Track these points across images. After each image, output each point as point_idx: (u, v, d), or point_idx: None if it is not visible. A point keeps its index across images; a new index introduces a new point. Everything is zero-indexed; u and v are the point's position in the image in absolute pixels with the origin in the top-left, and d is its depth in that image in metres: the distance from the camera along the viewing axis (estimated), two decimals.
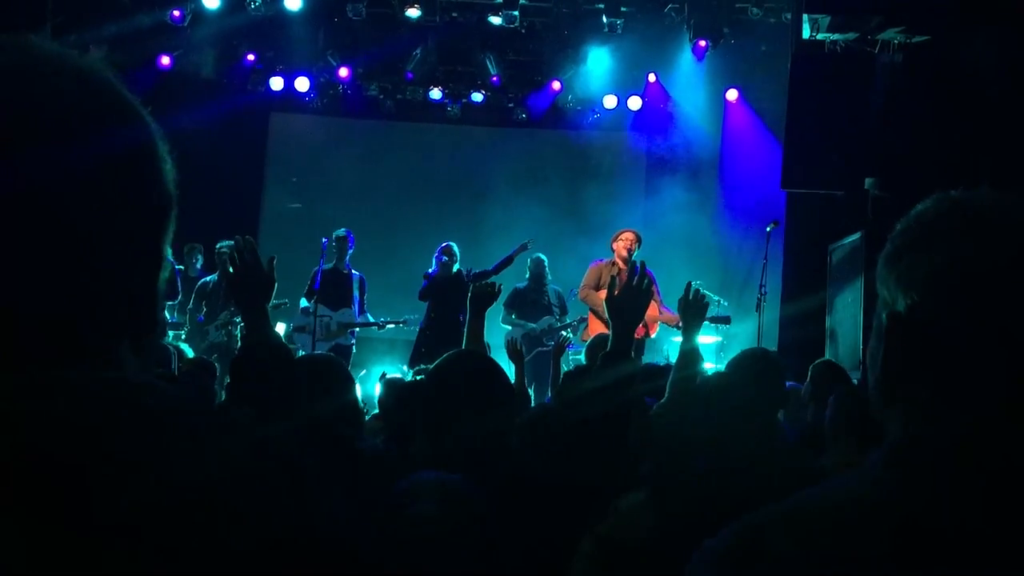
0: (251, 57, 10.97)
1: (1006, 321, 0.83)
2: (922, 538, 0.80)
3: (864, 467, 0.88)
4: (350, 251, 8.68)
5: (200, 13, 10.17)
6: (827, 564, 0.81)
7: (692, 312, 3.50)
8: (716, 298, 8.76)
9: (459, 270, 8.48)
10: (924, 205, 0.92)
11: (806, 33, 7.51)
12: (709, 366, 7.50)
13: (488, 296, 3.77)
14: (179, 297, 8.61)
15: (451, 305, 8.17)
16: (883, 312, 0.91)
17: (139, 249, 0.74)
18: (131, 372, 0.74)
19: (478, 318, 3.67)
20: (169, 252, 0.77)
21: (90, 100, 0.72)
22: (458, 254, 8.56)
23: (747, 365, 3.50)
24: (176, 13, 9.99)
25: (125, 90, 0.75)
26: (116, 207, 0.71)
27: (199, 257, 9.33)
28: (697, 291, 3.57)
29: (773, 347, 7.83)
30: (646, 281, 2.57)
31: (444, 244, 8.62)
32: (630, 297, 2.60)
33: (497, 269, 8.55)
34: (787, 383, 4.01)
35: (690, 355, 3.35)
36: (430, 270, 8.58)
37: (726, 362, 8.57)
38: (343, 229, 8.69)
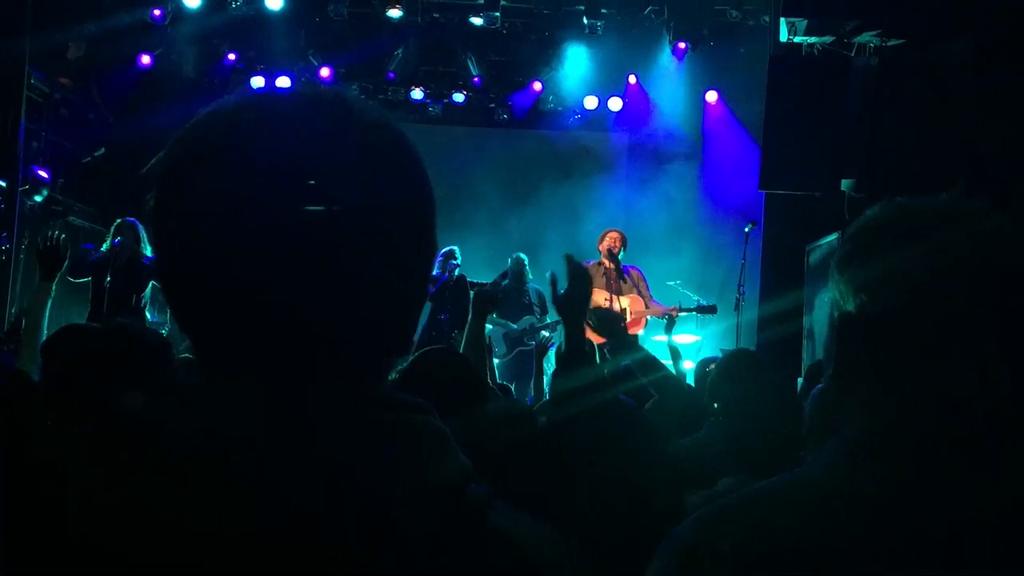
0: (232, 56, 10.94)
1: (943, 323, 0.89)
2: (872, 522, 0.86)
3: (820, 456, 0.95)
4: None
5: (181, 12, 10.13)
6: (781, 548, 0.86)
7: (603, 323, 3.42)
8: (695, 297, 8.86)
9: (460, 273, 8.57)
10: (873, 211, 0.98)
11: (783, 36, 7.60)
12: (688, 365, 7.59)
13: (492, 302, 3.78)
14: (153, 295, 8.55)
15: (457, 307, 8.28)
16: (835, 312, 0.98)
17: (415, 281, 0.83)
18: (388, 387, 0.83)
19: (480, 320, 3.68)
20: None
21: (395, 151, 0.82)
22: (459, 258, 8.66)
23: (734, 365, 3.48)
24: (157, 12, 9.95)
25: (415, 148, 0.85)
26: (407, 246, 0.81)
27: None
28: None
29: (752, 346, 7.92)
30: (581, 276, 2.48)
31: (448, 249, 8.68)
32: (569, 297, 2.47)
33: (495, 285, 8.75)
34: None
35: (645, 362, 3.29)
36: (437, 272, 8.65)
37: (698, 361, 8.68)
38: None
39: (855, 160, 7.00)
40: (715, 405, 2.92)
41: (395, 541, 0.69)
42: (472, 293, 3.87)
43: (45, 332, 3.42)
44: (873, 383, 0.93)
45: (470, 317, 3.71)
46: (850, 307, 0.95)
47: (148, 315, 8.22)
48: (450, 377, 2.36)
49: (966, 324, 0.89)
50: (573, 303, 2.45)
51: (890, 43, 7.11)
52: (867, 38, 7.14)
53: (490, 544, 0.73)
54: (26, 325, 3.93)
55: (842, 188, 7.10)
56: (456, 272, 8.58)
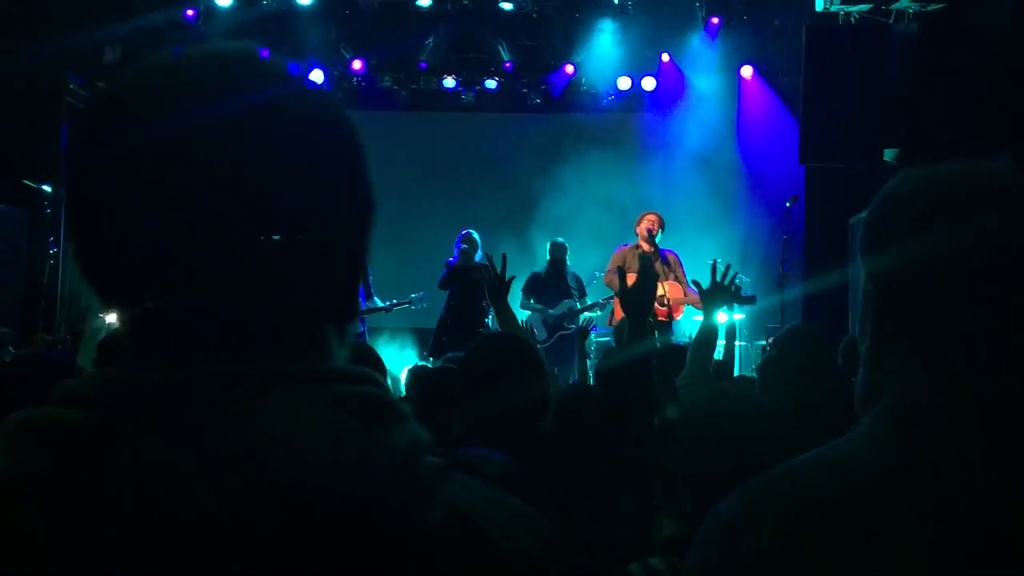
0: (265, 52, 11.01)
1: (970, 290, 0.90)
2: (915, 491, 0.86)
3: (860, 428, 0.95)
4: None
5: (213, 10, 10.23)
6: (826, 522, 0.87)
7: (718, 296, 3.50)
8: (738, 274, 8.78)
9: (480, 259, 8.42)
10: (894, 182, 1.00)
11: (819, 6, 7.48)
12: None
13: (499, 287, 3.75)
14: None
15: (470, 294, 8.17)
16: (869, 285, 0.98)
17: (351, 244, 0.79)
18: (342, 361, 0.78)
19: (501, 305, 3.71)
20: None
21: (316, 117, 0.78)
22: (479, 241, 8.49)
23: (796, 342, 3.45)
24: (190, 12, 10.06)
25: (342, 108, 0.81)
26: (338, 206, 0.77)
27: None
28: (727, 273, 3.59)
29: (797, 322, 7.83)
30: (649, 272, 2.60)
31: (464, 232, 8.55)
32: (635, 294, 2.61)
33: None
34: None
35: (711, 332, 3.39)
36: (451, 259, 8.56)
37: (747, 339, 8.58)
38: None
39: (897, 129, 6.88)
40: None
41: (327, 521, 0.65)
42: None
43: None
44: (907, 356, 0.94)
45: (493, 307, 3.81)
46: (882, 279, 0.96)
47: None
48: (507, 352, 2.44)
49: (998, 302, 0.90)
50: (640, 299, 2.57)
51: (929, 8, 6.96)
52: (905, 3, 7.00)
53: (436, 516, 0.69)
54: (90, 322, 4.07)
55: (885, 158, 6.99)
56: (477, 256, 8.34)
